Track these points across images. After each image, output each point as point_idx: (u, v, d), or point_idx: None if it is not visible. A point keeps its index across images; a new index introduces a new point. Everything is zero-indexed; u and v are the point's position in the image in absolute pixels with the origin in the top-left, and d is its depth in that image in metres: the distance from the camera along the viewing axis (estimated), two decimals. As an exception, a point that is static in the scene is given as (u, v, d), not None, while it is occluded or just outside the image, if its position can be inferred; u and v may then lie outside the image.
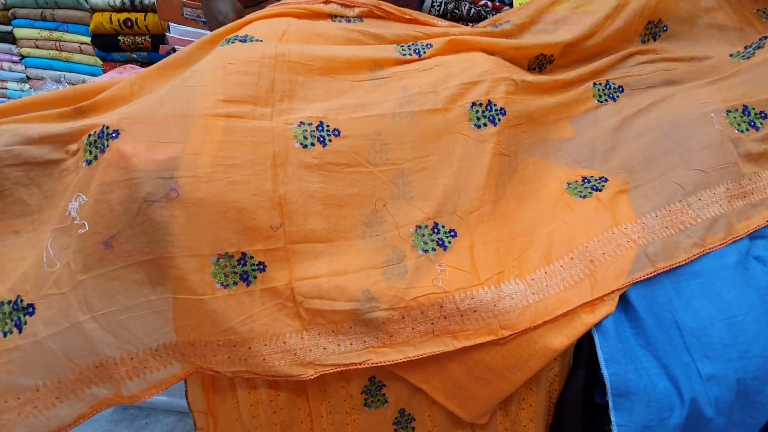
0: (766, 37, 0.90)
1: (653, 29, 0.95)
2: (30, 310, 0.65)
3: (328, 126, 0.72)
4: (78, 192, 0.65)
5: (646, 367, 0.63)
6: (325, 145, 0.71)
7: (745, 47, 0.89)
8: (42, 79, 1.74)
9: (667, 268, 0.68)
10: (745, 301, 0.64)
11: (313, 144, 0.71)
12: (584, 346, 0.67)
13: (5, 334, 0.64)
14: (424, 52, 0.84)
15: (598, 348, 0.64)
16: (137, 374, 0.66)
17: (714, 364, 0.61)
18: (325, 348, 0.67)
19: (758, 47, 0.89)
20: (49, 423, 0.66)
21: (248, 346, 0.66)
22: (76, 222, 0.64)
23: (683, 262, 0.68)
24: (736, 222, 0.72)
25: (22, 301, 0.65)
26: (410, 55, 0.83)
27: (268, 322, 0.66)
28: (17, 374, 0.64)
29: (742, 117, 0.78)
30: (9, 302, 0.65)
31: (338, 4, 0.93)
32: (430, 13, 1.16)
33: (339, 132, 0.73)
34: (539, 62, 0.91)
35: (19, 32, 1.70)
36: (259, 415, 0.78)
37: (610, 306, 0.67)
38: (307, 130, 0.71)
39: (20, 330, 0.64)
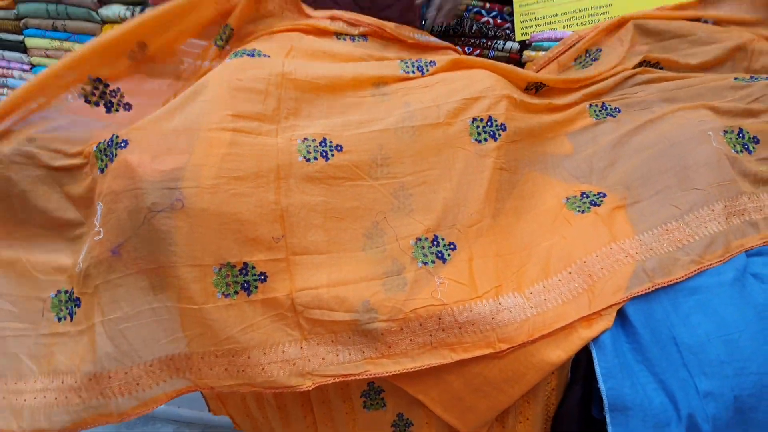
0: None
1: (646, 65, 0.98)
2: (78, 302, 0.70)
3: (331, 142, 0.74)
4: (98, 200, 0.68)
5: (643, 383, 0.63)
6: (327, 159, 0.73)
7: (752, 77, 0.90)
8: (51, 87, 1.76)
9: (665, 284, 0.68)
10: (741, 318, 0.65)
11: (315, 158, 0.72)
12: (581, 361, 0.68)
13: (60, 320, 0.70)
14: (427, 69, 0.86)
15: (596, 362, 0.65)
16: (129, 391, 0.66)
17: (711, 380, 0.61)
18: (323, 358, 0.68)
19: (763, 87, 0.87)
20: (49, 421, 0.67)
21: (247, 356, 0.66)
22: (95, 228, 0.67)
23: (681, 279, 0.69)
24: (734, 239, 0.72)
25: (73, 292, 0.70)
26: (413, 72, 0.85)
27: (268, 332, 0.67)
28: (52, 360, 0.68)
29: (737, 139, 0.79)
30: (66, 291, 0.72)
31: (344, 22, 0.95)
32: (432, 29, 1.18)
33: (341, 147, 0.74)
34: (536, 85, 0.93)
35: (30, 42, 1.73)
36: (264, 407, 0.81)
37: (608, 321, 0.67)
38: (310, 146, 0.73)
39: (72, 318, 0.70)
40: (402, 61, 0.88)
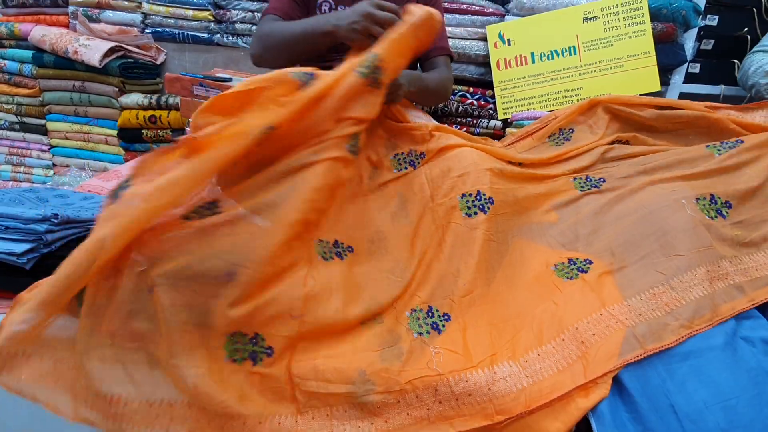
0: (740, 141, 0.96)
1: (618, 143, 1.07)
2: None
3: (342, 243, 0.82)
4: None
5: (645, 455, 0.62)
6: (342, 258, 0.80)
7: (722, 142, 0.97)
8: (67, 166, 1.87)
9: (657, 350, 0.69)
10: (736, 383, 0.65)
11: (332, 257, 0.79)
12: (581, 432, 0.66)
13: None
14: (418, 162, 0.95)
15: (596, 435, 0.64)
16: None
17: (713, 450, 0.60)
18: (318, 434, 0.67)
19: (732, 147, 0.95)
20: None
21: (243, 421, 0.65)
22: None
23: (672, 344, 0.69)
24: (721, 303, 0.74)
25: None
26: (406, 168, 0.95)
27: (265, 403, 0.67)
28: None
29: (710, 205, 0.84)
30: None
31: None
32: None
33: (352, 248, 0.82)
34: (519, 161, 1.00)
35: (51, 125, 1.86)
36: None
37: (604, 389, 0.67)
38: (326, 247, 0.80)
39: None
40: (395, 157, 0.97)
